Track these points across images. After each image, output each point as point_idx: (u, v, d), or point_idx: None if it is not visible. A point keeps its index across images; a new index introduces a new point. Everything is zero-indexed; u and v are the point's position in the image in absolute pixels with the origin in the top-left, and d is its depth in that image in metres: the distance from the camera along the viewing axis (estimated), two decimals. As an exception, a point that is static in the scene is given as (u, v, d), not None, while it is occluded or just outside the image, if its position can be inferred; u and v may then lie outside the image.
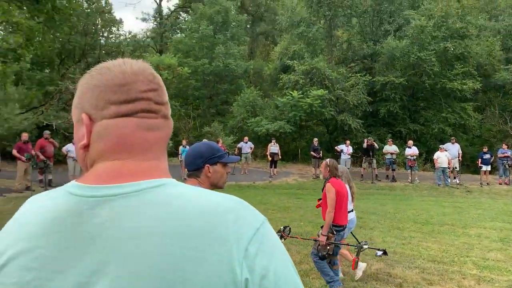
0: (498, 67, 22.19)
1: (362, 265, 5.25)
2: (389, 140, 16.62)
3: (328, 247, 4.57)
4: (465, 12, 20.66)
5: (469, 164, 18.46)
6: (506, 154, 14.59)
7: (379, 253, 4.78)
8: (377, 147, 16.09)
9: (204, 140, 14.76)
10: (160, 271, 0.59)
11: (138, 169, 0.71)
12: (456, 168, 15.13)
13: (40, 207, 0.70)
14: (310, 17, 23.21)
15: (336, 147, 16.56)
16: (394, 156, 15.79)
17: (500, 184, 14.74)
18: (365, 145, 15.80)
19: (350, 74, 21.06)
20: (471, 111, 20.84)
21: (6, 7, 15.52)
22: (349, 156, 16.17)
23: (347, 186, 5.06)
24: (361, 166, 16.72)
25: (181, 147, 15.13)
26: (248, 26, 33.09)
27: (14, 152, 11.29)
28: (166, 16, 35.09)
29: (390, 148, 15.80)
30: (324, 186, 4.77)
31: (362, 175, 16.15)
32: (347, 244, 5.15)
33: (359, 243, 4.99)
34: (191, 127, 22.57)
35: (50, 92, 18.42)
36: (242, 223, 0.65)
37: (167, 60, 21.44)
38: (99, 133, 0.73)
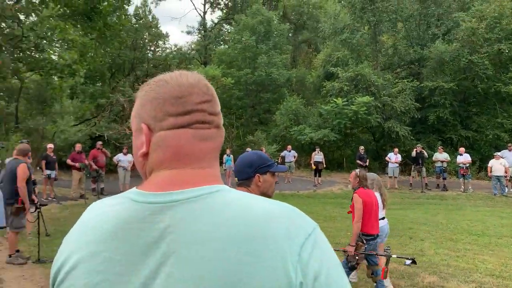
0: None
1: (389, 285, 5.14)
2: (440, 147, 15.98)
3: (357, 257, 4.51)
4: (520, 12, 19.57)
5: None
6: None
7: (408, 262, 4.62)
8: (427, 156, 15.52)
9: (248, 149, 14.87)
10: (219, 276, 0.62)
11: (194, 177, 0.74)
12: (513, 176, 14.24)
13: (104, 212, 0.74)
14: (354, 24, 22.89)
15: (386, 157, 16.07)
16: (445, 164, 15.14)
17: None
18: (414, 153, 15.27)
19: (396, 80, 20.57)
20: (529, 115, 19.61)
21: (63, 26, 16.55)
22: (397, 165, 15.68)
23: (378, 194, 5.06)
24: (409, 174, 16.18)
25: (225, 156, 15.32)
26: (290, 34, 33.16)
27: (69, 161, 11.90)
28: (210, 29, 35.95)
29: (441, 155, 15.19)
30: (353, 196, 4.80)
31: (411, 184, 15.61)
32: (376, 254, 5.02)
33: (387, 251, 4.90)
34: (234, 136, 22.82)
35: (101, 104, 19.35)
36: (295, 229, 0.67)
37: (211, 71, 21.92)
38: (158, 144, 0.76)
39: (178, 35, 78.56)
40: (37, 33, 16.15)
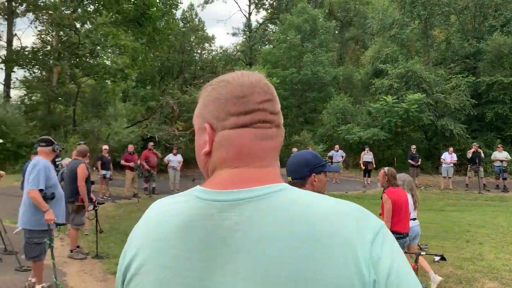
0: None
1: (437, 279, 4.92)
2: (499, 146, 15.12)
3: None
4: None
5: None
6: None
7: (437, 258, 4.45)
8: (483, 156, 14.70)
9: (294, 149, 14.77)
10: (287, 274, 0.63)
11: (257, 176, 0.75)
12: None
13: (170, 210, 0.76)
14: (403, 18, 22.12)
15: (441, 159, 15.36)
16: (505, 164, 14.29)
17: None
18: (469, 154, 14.53)
19: (450, 76, 19.69)
20: None
21: (115, 32, 17.33)
22: (452, 164, 14.95)
23: (409, 195, 5.05)
24: (465, 174, 15.38)
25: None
26: (336, 32, 32.61)
27: (122, 162, 12.46)
28: (255, 29, 36.13)
29: (500, 155, 14.35)
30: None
31: (467, 184, 14.84)
32: (406, 252, 4.82)
33: (420, 248, 4.82)
34: (281, 136, 22.73)
35: (152, 107, 20.06)
36: (363, 227, 0.67)
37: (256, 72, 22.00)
38: (221, 143, 0.78)
39: (224, 37, 79.83)
40: (92, 40, 17.04)
